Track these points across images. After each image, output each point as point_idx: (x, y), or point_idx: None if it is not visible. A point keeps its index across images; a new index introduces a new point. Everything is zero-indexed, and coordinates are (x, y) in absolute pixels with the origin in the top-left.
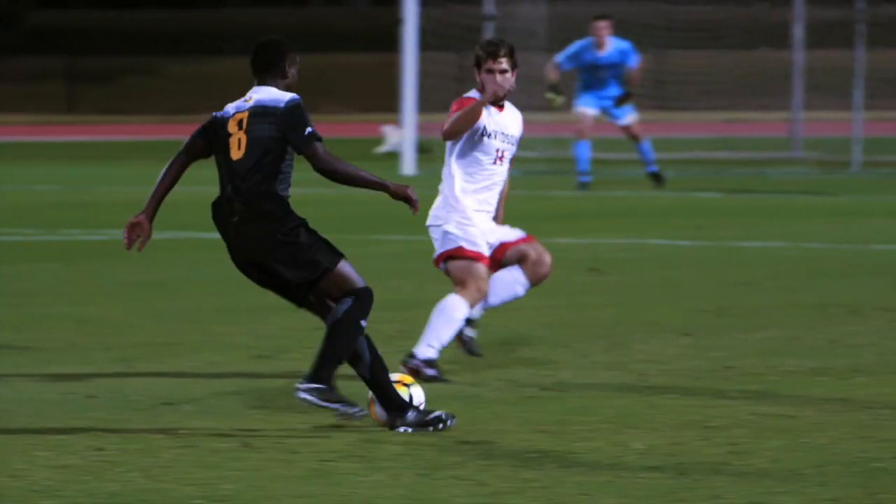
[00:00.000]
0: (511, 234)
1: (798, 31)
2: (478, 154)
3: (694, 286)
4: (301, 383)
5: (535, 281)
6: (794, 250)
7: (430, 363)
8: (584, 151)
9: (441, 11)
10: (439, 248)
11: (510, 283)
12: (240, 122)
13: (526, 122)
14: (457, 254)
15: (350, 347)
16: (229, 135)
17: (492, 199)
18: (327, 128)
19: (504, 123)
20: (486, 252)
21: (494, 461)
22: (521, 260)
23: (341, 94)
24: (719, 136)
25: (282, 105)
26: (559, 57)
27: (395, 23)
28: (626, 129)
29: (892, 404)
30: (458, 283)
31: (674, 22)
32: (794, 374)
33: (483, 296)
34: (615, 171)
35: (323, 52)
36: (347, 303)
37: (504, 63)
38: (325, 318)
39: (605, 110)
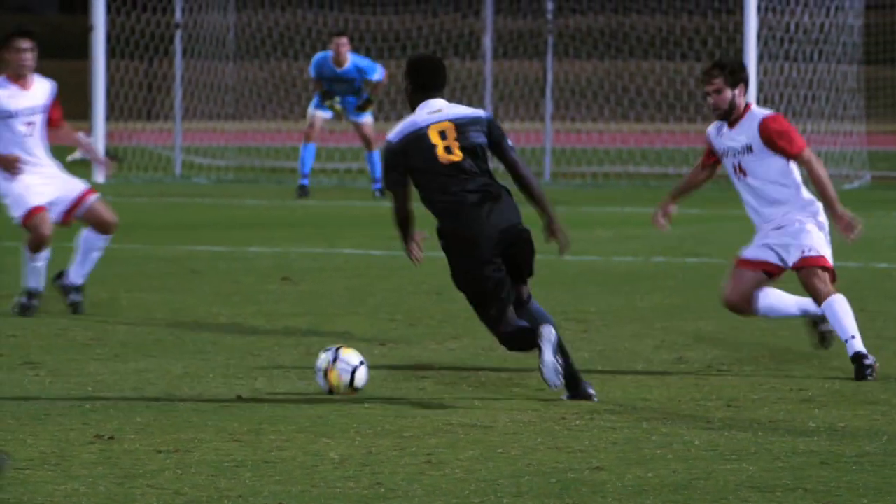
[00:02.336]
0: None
1: (487, 42)
2: None
3: (387, 295)
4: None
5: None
6: None
7: None
8: (309, 154)
9: (129, 19)
10: None
11: None
12: None
13: (215, 132)
14: None
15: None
16: None
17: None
18: None
19: None
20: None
21: (190, 470)
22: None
23: None
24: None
25: None
26: (310, 70)
27: (85, 30)
28: (360, 129)
29: (585, 414)
30: None
31: (363, 32)
32: (487, 384)
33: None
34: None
35: None
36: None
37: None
38: None
39: (344, 110)
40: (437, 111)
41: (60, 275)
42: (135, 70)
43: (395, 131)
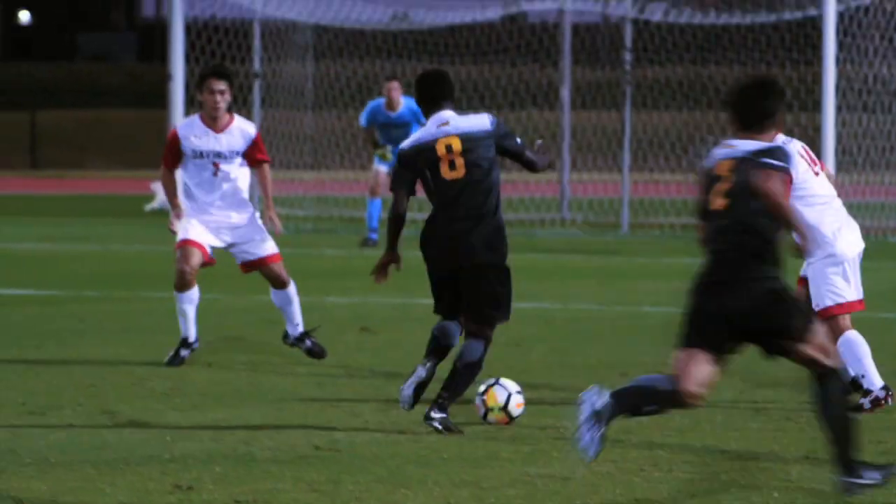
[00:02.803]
0: None
1: (565, 93)
2: None
3: None
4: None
5: None
6: (565, 311)
7: None
8: (375, 209)
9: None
10: None
11: None
12: None
13: (293, 181)
14: None
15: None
16: None
17: None
18: (96, 184)
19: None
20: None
21: None
22: None
23: (109, 150)
24: None
25: None
26: (361, 119)
27: (162, 79)
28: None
29: (663, 465)
30: None
31: None
32: (566, 435)
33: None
34: (384, 229)
35: (90, 108)
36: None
37: None
38: None
39: None
40: (444, 124)
41: (285, 336)
42: None
43: (409, 140)
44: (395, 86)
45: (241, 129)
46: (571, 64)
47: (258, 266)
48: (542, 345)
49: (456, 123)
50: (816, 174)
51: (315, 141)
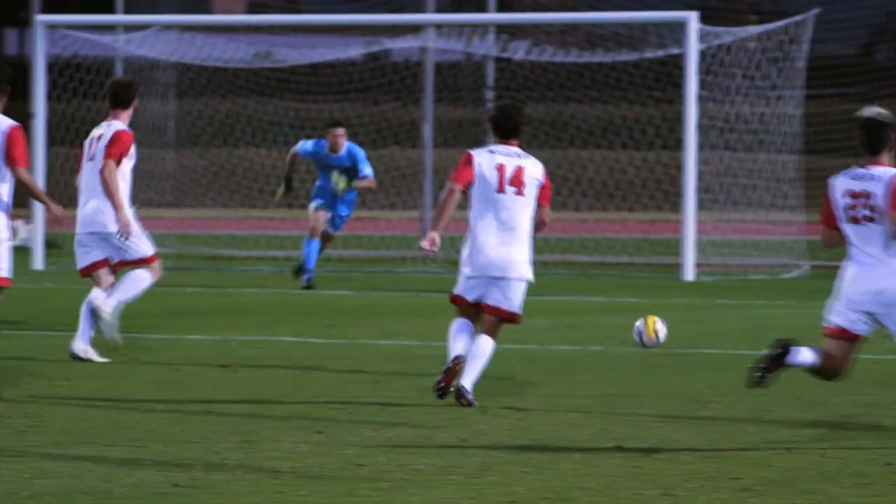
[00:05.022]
0: None
1: (427, 130)
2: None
3: (326, 383)
4: None
5: None
6: (425, 348)
7: None
8: (314, 250)
9: (69, 106)
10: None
11: None
12: None
13: (155, 219)
14: None
15: None
16: None
17: None
18: None
19: None
20: None
21: None
22: None
23: None
24: (350, 233)
25: None
26: (300, 148)
27: (24, 117)
28: (327, 237)
29: (521, 503)
30: None
31: (303, 120)
32: (424, 471)
33: None
34: (245, 267)
35: None
36: None
37: None
38: None
39: (332, 217)
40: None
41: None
42: (74, 157)
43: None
44: (340, 132)
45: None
46: (434, 102)
47: None
48: (401, 381)
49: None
50: None
51: (177, 179)
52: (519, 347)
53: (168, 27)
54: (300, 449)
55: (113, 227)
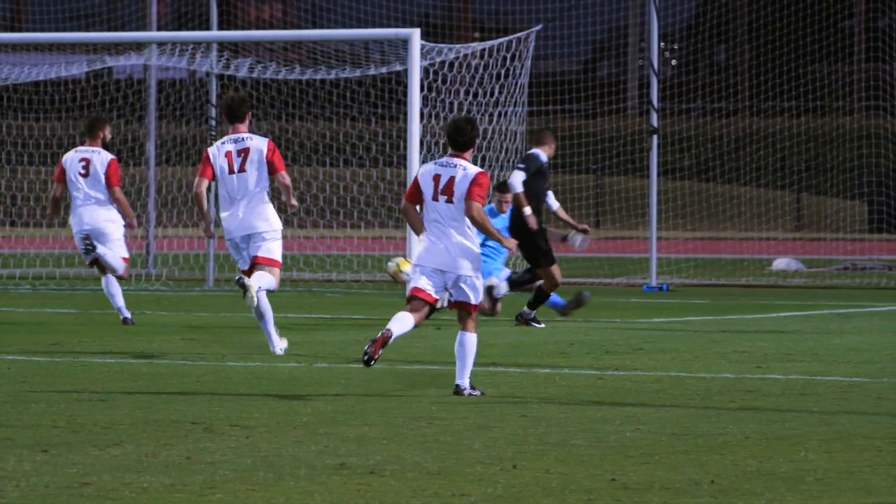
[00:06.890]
0: None
1: (151, 148)
2: None
3: (51, 402)
4: None
5: None
6: (150, 366)
7: None
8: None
9: None
10: None
11: None
12: None
13: None
14: None
15: None
16: None
17: None
18: None
19: None
20: None
21: None
22: None
23: None
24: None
25: None
26: None
27: None
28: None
29: None
30: None
31: (26, 138)
32: (149, 490)
33: None
34: None
35: None
36: None
37: None
38: None
39: None
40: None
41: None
42: None
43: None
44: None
45: None
46: (157, 119)
47: None
48: (126, 399)
49: None
50: None
51: None
52: (245, 365)
53: None
54: (24, 468)
55: None
